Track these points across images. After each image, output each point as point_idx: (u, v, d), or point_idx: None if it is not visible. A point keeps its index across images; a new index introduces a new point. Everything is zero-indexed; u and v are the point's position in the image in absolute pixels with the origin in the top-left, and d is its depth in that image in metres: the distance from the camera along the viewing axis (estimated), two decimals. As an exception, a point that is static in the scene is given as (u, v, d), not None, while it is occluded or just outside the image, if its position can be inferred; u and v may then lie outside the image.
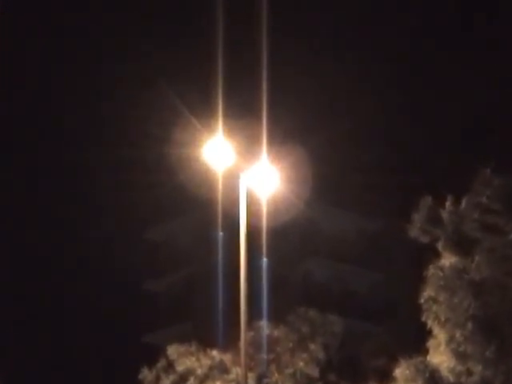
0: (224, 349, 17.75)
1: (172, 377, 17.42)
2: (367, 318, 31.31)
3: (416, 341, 14.97)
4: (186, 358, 17.46)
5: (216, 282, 25.36)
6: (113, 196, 32.24)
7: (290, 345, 17.56)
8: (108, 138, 32.04)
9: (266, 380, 17.55)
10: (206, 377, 17.36)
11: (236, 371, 16.79)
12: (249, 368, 15.86)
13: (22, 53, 32.54)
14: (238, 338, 14.25)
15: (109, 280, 32.26)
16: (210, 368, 17.52)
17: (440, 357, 13.61)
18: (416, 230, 14.05)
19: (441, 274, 13.57)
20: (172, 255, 33.69)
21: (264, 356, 17.25)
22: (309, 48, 33.78)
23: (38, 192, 35.86)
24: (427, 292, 13.75)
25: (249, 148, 16.59)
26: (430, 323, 13.81)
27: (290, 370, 17.18)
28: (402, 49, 35.19)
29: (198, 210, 30.99)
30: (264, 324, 17.75)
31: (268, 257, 21.16)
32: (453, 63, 34.77)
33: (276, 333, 17.67)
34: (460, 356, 13.26)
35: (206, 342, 18.35)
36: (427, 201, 13.98)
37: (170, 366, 17.66)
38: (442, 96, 34.49)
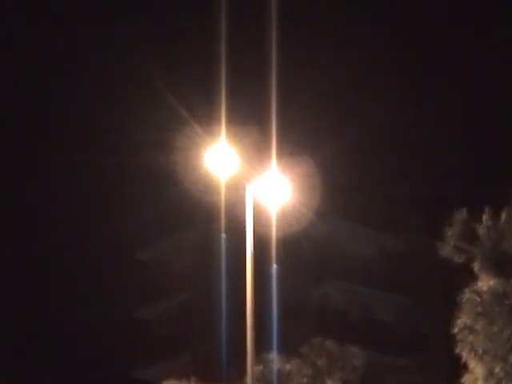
0: None
1: None
2: (392, 350, 31.69)
3: (449, 376, 15.23)
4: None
5: (219, 307, 25.81)
6: (105, 208, 33.56)
7: (305, 380, 17.95)
8: (104, 142, 33.45)
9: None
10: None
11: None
12: None
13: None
14: (243, 373, 15.30)
15: (96, 306, 32.96)
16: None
17: (477, 394, 13.85)
18: (448, 248, 14.25)
19: (478, 299, 13.78)
20: (168, 277, 34.18)
21: None
22: (321, 50, 35.29)
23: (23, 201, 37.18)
24: (462, 320, 13.93)
25: (256, 156, 17.51)
26: (465, 355, 13.99)
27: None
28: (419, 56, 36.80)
29: (198, 225, 31.55)
30: (274, 357, 18.15)
31: (278, 279, 21.59)
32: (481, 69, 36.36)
33: (288, 367, 18.10)
34: (500, 394, 13.49)
35: (206, 377, 19.03)
36: (461, 214, 14.17)
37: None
38: (474, 100, 35.74)
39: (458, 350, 14.18)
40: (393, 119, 33.51)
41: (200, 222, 30.72)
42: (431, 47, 37.13)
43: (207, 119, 18.86)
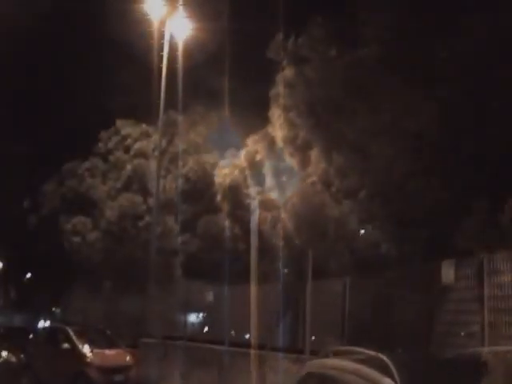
0: (150, 123, 33.02)
1: (118, 137, 33.35)
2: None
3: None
4: (127, 127, 33.35)
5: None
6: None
7: (187, 125, 33.71)
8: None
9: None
10: (138, 138, 33.25)
11: (155, 137, 32.07)
12: (162, 136, 31.46)
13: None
14: (158, 118, 29.47)
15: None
16: (141, 134, 33.42)
17: None
18: None
19: None
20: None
21: (170, 129, 33.06)
22: None
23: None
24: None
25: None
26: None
27: (186, 139, 33.44)
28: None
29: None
30: (175, 112, 33.24)
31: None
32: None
33: (179, 118, 33.69)
34: None
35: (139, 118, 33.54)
36: None
37: (117, 131, 33.51)
38: None
39: None
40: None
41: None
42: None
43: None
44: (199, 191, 31.32)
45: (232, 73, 36.00)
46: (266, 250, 26.66)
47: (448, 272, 12.66)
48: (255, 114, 27.07)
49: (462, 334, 12.47)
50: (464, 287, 12.55)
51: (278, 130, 23.44)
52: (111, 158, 33.24)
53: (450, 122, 18.00)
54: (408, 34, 18.32)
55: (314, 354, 15.79)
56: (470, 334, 12.22)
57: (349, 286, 17.46)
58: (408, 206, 19.69)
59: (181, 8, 29.38)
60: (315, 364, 7.41)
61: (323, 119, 20.14)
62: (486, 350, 7.62)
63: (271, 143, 24.31)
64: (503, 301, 11.48)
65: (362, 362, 6.47)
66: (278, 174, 23.75)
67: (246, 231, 27.25)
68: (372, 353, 6.51)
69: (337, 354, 7.21)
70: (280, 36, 21.71)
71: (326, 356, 7.38)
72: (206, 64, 33.10)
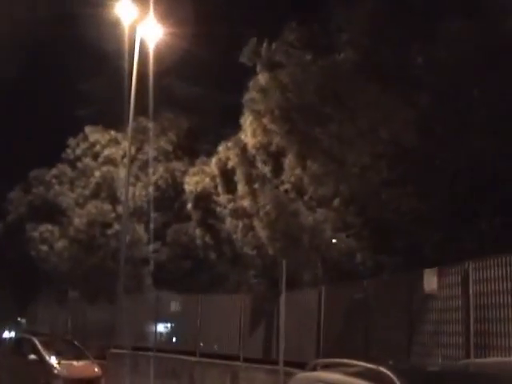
0: (119, 129, 32.63)
1: (86, 144, 32.84)
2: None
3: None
4: (95, 134, 32.84)
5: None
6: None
7: (156, 132, 33.14)
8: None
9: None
10: (107, 145, 32.80)
11: (124, 143, 31.84)
12: (132, 143, 31.00)
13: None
14: (127, 124, 28.62)
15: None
16: (109, 140, 32.96)
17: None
18: None
19: None
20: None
21: (140, 136, 32.52)
22: None
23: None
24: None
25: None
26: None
27: (155, 146, 32.84)
28: None
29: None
30: (146, 118, 32.56)
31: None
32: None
33: (149, 124, 32.99)
34: None
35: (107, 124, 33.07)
36: None
37: (85, 138, 32.99)
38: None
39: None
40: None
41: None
42: None
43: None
44: (169, 199, 31.10)
45: (203, 78, 36.10)
46: (237, 258, 26.44)
47: (430, 280, 12.34)
48: (227, 121, 26.93)
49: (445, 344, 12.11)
50: (448, 296, 12.21)
51: (250, 136, 23.01)
52: (79, 164, 32.78)
53: (426, 129, 17.76)
54: (384, 40, 18.06)
55: (289, 365, 15.45)
56: (454, 345, 11.86)
57: (324, 295, 17.12)
58: (383, 214, 19.44)
59: (151, 13, 28.60)
60: (303, 378, 6.98)
61: (298, 125, 19.79)
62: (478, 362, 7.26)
63: (243, 150, 23.91)
64: (491, 310, 11.11)
65: (357, 375, 6.05)
66: (250, 181, 23.33)
67: (218, 240, 27.09)
68: (370, 365, 6.09)
69: (326, 367, 6.79)
70: (253, 41, 21.29)
71: (314, 369, 6.96)
72: (177, 70, 33.01)
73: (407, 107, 17.70)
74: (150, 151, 31.46)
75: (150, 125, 30.86)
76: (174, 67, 31.97)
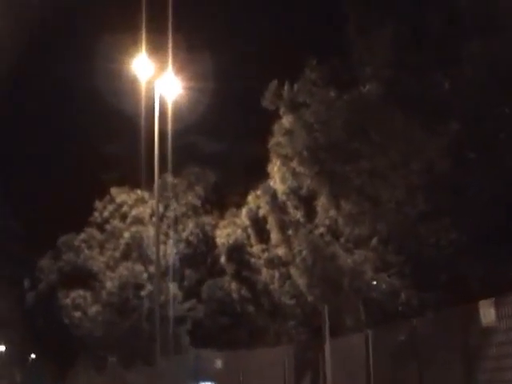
0: (145, 188, 32.36)
1: (113, 205, 32.50)
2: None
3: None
4: (121, 195, 32.51)
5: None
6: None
7: (183, 188, 32.80)
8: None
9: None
10: (134, 205, 32.42)
11: (152, 202, 31.51)
12: (159, 201, 30.62)
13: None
14: (153, 182, 27.41)
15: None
16: (136, 200, 32.58)
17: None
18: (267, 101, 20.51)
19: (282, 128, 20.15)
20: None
21: (168, 194, 32.14)
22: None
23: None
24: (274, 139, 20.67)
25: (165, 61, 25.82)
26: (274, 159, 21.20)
27: (183, 201, 32.45)
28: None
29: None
30: (169, 175, 32.09)
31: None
32: None
33: (175, 181, 32.66)
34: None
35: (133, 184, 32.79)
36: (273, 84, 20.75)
37: (112, 200, 32.67)
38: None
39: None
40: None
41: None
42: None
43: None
44: (201, 254, 30.60)
45: (225, 133, 35.97)
46: (276, 310, 25.68)
47: (487, 312, 11.50)
48: (254, 172, 26.43)
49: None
50: (509, 328, 11.32)
51: (279, 182, 22.46)
52: (108, 227, 32.44)
53: (459, 155, 17.05)
54: (407, 68, 17.50)
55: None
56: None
57: (371, 339, 16.29)
58: (423, 249, 18.66)
59: (169, 68, 28.08)
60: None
61: (327, 165, 19.15)
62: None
63: (273, 197, 23.35)
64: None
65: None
66: (283, 228, 22.68)
67: (254, 292, 26.42)
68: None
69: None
70: (274, 83, 20.84)
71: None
72: (198, 125, 32.81)
73: (437, 135, 17.05)
74: (178, 208, 30.96)
75: (170, 179, 30.49)
76: (195, 123, 31.67)
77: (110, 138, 34.36)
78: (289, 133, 20.45)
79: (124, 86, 27.83)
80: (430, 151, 16.82)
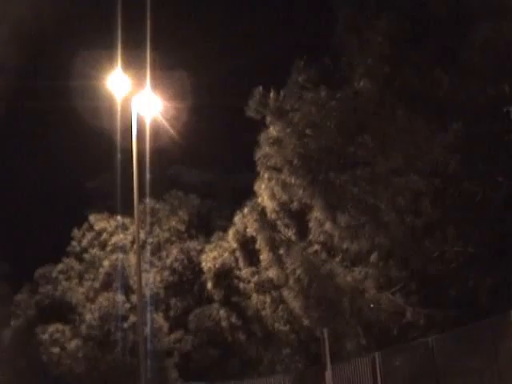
0: (125, 215, 30.53)
1: (92, 233, 30.57)
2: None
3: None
4: (100, 221, 30.61)
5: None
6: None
7: (166, 212, 30.97)
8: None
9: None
10: (114, 232, 30.52)
11: (132, 228, 29.66)
12: (140, 227, 28.86)
13: None
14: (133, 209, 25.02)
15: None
16: (116, 227, 30.67)
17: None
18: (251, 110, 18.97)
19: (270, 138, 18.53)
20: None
21: (149, 218, 30.32)
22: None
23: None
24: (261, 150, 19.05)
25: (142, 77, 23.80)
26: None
27: (166, 227, 30.59)
28: None
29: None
30: (148, 199, 30.44)
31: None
32: None
33: (157, 205, 30.97)
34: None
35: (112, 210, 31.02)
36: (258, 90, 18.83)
37: (91, 227, 30.75)
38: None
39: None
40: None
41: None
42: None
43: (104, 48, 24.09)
44: (187, 282, 28.89)
45: (208, 161, 34.49)
46: (269, 337, 24.07)
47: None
48: (240, 197, 25.01)
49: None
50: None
51: (267, 199, 20.76)
52: (86, 256, 30.45)
53: (465, 155, 15.46)
54: (407, 63, 15.92)
55: None
56: None
57: (379, 363, 14.45)
58: (429, 263, 17.03)
59: (147, 85, 26.29)
60: None
61: (320, 174, 17.45)
62: None
63: (262, 215, 21.62)
64: None
65: None
66: (273, 248, 20.91)
67: (245, 319, 24.83)
68: None
69: None
70: (259, 90, 19.22)
71: None
72: (181, 152, 31.27)
73: (442, 132, 15.41)
74: (161, 233, 29.23)
75: (151, 203, 29.16)
76: (174, 142, 29.98)
77: (89, 168, 32.48)
78: (277, 142, 18.89)
79: (100, 104, 26.00)
80: (437, 151, 15.23)
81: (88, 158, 32.23)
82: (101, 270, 29.17)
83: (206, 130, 32.63)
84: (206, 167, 35.82)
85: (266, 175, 19.96)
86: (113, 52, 23.92)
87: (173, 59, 29.29)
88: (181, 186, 33.19)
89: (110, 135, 26.26)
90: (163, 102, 25.51)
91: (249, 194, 22.46)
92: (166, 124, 26.67)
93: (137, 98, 24.93)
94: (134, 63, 24.54)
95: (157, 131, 26.35)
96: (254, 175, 20.71)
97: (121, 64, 23.79)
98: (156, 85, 25.40)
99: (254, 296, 23.99)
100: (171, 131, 28.20)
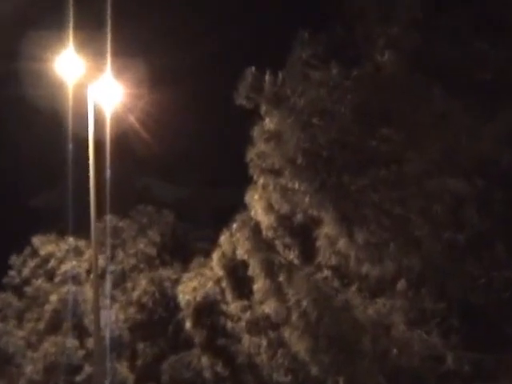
0: (78, 236, 30.44)
1: (36, 260, 30.31)
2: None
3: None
4: (47, 245, 30.36)
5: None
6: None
7: (133, 233, 30.76)
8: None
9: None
10: (64, 258, 30.30)
11: (89, 253, 29.51)
12: (99, 251, 28.78)
13: None
14: (89, 228, 24.84)
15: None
16: (67, 251, 30.48)
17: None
18: (241, 97, 19.50)
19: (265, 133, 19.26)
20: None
21: (110, 240, 30.15)
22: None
23: None
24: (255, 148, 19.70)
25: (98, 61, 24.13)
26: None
27: (132, 251, 30.39)
28: None
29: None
30: (109, 217, 30.19)
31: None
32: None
33: (121, 224, 30.70)
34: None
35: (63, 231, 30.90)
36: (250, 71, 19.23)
37: (34, 252, 30.48)
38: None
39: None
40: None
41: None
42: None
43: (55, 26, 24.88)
44: (160, 322, 28.72)
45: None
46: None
47: None
48: (229, 199, 25.38)
49: None
50: None
51: (262, 213, 20.79)
52: (28, 289, 30.30)
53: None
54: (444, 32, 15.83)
55: None
56: None
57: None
58: (473, 291, 17.06)
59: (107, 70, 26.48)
60: None
61: (331, 177, 17.51)
62: None
63: (255, 233, 21.58)
64: None
65: None
66: (271, 274, 20.81)
67: (234, 368, 25.12)
68: None
69: None
70: (251, 71, 19.63)
71: None
72: (147, 147, 31.48)
73: (490, 121, 15.36)
74: (126, 259, 29.19)
75: (113, 220, 29.76)
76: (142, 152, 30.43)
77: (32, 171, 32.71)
78: (275, 137, 19.16)
79: (49, 93, 26.71)
80: (483, 145, 15.13)
81: (32, 167, 32.41)
82: (47, 306, 29.21)
83: (183, 126, 33.40)
84: (182, 177, 36.68)
85: (260, 180, 20.17)
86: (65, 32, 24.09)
87: (139, 39, 31.82)
88: (151, 201, 33.61)
89: (59, 132, 26.54)
90: (126, 91, 25.95)
91: (238, 208, 22.51)
92: (131, 120, 28.01)
93: (94, 86, 25.48)
94: (91, 46, 24.86)
95: (120, 130, 27.16)
96: (245, 183, 20.99)
97: (74, 45, 23.96)
98: (117, 71, 25.63)
99: (246, 338, 23.78)
100: (138, 129, 29.39)
